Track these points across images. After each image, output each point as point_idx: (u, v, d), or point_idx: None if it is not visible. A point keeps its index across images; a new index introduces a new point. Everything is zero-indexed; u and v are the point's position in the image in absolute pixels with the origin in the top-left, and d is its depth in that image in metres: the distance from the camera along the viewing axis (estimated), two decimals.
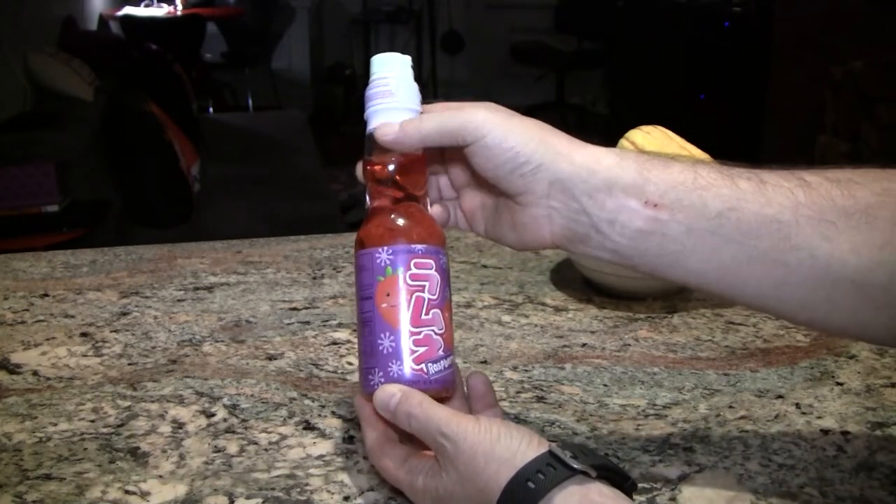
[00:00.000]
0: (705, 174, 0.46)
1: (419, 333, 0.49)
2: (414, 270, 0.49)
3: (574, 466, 0.42)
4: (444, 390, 0.50)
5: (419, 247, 0.50)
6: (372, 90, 0.52)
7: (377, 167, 0.52)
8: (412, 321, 0.49)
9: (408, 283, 0.49)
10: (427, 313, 0.49)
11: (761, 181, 0.46)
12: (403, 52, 0.51)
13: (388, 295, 0.49)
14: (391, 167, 0.52)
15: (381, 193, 0.52)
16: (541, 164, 0.47)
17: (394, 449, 0.51)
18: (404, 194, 0.52)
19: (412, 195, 0.52)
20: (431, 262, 0.50)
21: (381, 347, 0.49)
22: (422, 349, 0.49)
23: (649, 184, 0.46)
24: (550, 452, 0.43)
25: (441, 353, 0.49)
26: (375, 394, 0.49)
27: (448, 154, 0.54)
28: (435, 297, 0.49)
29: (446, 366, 0.50)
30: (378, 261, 0.50)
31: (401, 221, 0.51)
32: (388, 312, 0.49)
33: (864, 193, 0.45)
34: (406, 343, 0.49)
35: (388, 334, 0.49)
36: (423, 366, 0.49)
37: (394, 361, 0.49)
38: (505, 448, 0.44)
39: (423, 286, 0.49)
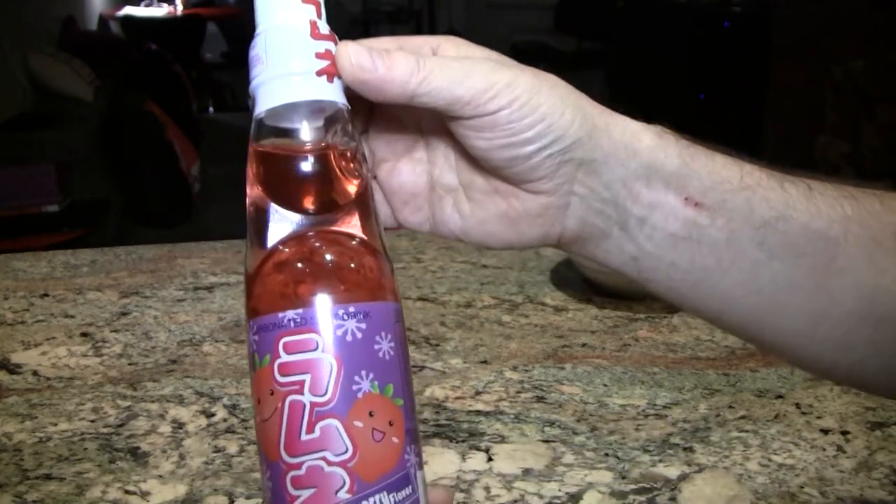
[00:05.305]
0: (751, 172, 0.38)
1: (299, 467, 0.30)
2: (284, 357, 0.30)
3: None
4: None
5: (290, 314, 0.30)
6: (258, 49, 0.34)
7: (266, 168, 0.33)
8: (286, 446, 0.30)
9: (277, 381, 0.30)
10: (311, 430, 0.30)
11: (808, 187, 0.38)
12: None
13: (259, 402, 0.31)
14: (297, 166, 0.33)
15: (265, 214, 0.33)
16: (577, 139, 0.36)
17: None
18: (316, 207, 0.33)
19: (330, 206, 0.33)
20: (314, 336, 0.30)
21: (265, 489, 0.31)
22: (303, 494, 0.30)
23: (693, 177, 0.37)
24: None
25: (344, 495, 0.29)
26: None
27: (383, 110, 0.39)
28: (324, 397, 0.30)
29: None
30: (249, 345, 0.32)
31: (271, 269, 0.32)
32: (262, 432, 0.31)
33: None
34: (285, 485, 0.30)
35: (264, 468, 0.31)
36: None
37: None
38: None
39: (301, 382, 0.30)
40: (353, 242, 0.32)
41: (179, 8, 5.15)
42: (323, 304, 0.30)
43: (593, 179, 0.36)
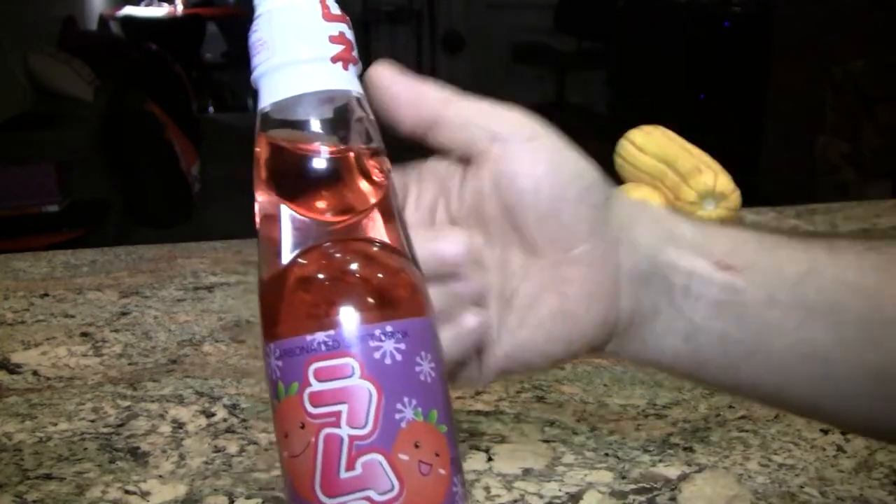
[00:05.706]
0: (769, 232, 0.37)
1: None
2: (315, 385, 0.27)
3: None
4: None
5: (320, 336, 0.27)
6: (261, 33, 0.31)
7: (284, 168, 0.30)
8: (323, 485, 0.27)
9: (308, 412, 0.27)
10: (351, 467, 0.27)
11: (829, 242, 0.36)
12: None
13: (286, 436, 0.28)
14: (314, 167, 0.29)
15: (276, 221, 0.30)
16: (609, 196, 0.34)
17: None
18: (336, 212, 0.29)
19: (352, 211, 0.29)
20: (350, 360, 0.27)
21: None
22: None
23: (714, 241, 0.35)
24: None
25: None
26: None
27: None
28: (365, 429, 0.27)
29: None
30: (269, 371, 0.28)
31: (294, 285, 0.28)
32: (291, 470, 0.28)
33: None
34: None
35: None
36: None
37: None
38: None
39: (337, 413, 0.27)
40: (383, 252, 0.29)
41: (179, 8, 5.15)
42: (356, 324, 0.27)
43: (633, 249, 0.35)
